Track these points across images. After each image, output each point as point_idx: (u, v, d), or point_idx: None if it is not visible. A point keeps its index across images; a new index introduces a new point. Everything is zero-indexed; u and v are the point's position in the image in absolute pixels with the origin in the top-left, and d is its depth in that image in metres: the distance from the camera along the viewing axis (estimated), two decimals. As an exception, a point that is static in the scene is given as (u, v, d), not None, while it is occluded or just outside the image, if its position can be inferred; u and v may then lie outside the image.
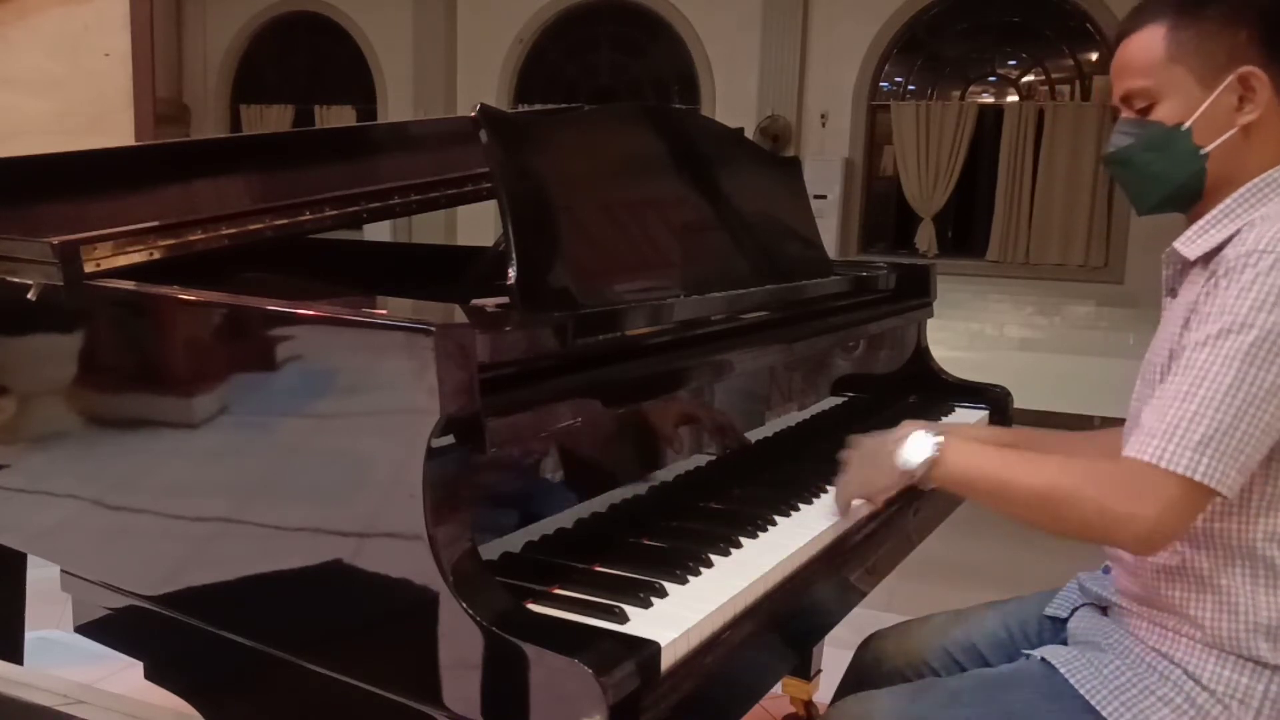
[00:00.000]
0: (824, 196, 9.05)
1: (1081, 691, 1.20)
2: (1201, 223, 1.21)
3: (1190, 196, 1.23)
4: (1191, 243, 1.21)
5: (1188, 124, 1.19)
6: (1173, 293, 1.26)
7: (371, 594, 1.01)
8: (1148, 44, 1.21)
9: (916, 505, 1.56)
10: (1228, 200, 1.19)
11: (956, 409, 2.06)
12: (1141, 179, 1.26)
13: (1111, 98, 1.28)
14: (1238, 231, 1.16)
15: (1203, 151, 1.19)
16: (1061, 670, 1.23)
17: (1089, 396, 4.96)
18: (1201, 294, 1.14)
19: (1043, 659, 1.26)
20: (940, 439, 1.26)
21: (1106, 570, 1.36)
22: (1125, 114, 1.25)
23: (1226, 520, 1.15)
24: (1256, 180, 1.18)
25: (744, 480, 1.49)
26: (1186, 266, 1.23)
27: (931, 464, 1.24)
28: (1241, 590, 1.14)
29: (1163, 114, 1.21)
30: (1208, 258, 1.18)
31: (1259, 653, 1.13)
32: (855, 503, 1.39)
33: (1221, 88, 1.17)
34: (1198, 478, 1.05)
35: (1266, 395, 1.05)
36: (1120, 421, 1.33)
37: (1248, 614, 1.14)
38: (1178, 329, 1.17)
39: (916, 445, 1.26)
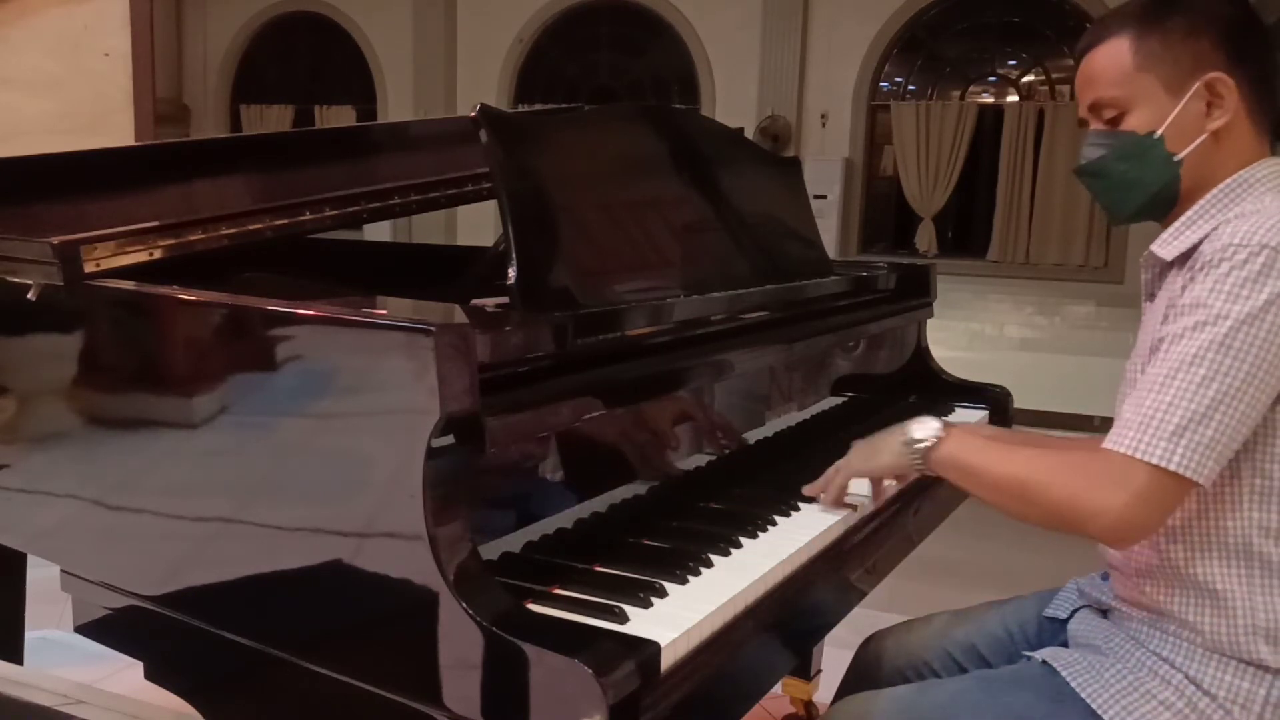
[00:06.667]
0: (824, 196, 9.05)
1: (1083, 695, 1.20)
2: (1177, 224, 1.22)
3: (1166, 204, 1.24)
4: (1168, 244, 1.22)
5: (1159, 132, 1.20)
6: (1151, 297, 1.27)
7: (371, 594, 1.01)
8: (1115, 54, 1.22)
9: (917, 505, 1.56)
10: (1201, 202, 1.21)
11: (956, 409, 2.06)
12: (1116, 189, 1.26)
13: (1079, 110, 1.29)
14: (1213, 230, 1.17)
15: (1176, 158, 1.20)
16: (1063, 673, 1.23)
17: (1089, 396, 4.95)
18: (1177, 290, 1.15)
19: (1044, 661, 1.26)
20: (944, 426, 1.29)
21: (1105, 577, 1.36)
22: (1094, 125, 1.26)
23: (1219, 518, 1.15)
24: (1228, 181, 1.20)
25: (744, 480, 1.49)
26: (1164, 269, 1.25)
27: (932, 445, 1.27)
28: (1238, 593, 1.14)
29: (1133, 123, 1.22)
30: (1184, 258, 1.19)
31: (1260, 656, 1.13)
32: (852, 490, 1.41)
33: (1189, 95, 1.18)
34: (1172, 467, 1.06)
35: (1242, 385, 1.06)
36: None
37: (1246, 617, 1.14)
38: (1156, 331, 1.18)
39: (923, 425, 1.29)
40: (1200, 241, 1.17)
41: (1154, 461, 1.06)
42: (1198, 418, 1.06)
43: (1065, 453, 1.24)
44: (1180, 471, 1.06)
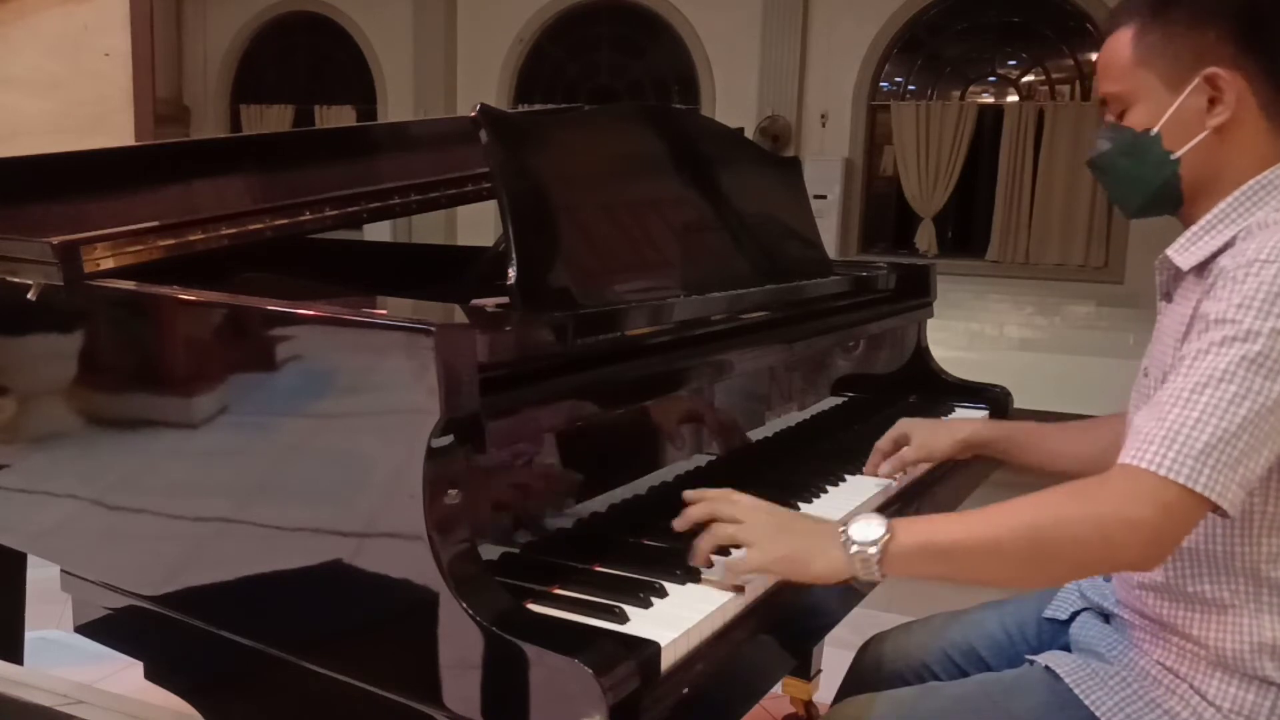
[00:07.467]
0: (824, 196, 9.06)
1: (1086, 701, 1.18)
2: (1194, 230, 1.18)
3: (1169, 201, 1.20)
4: (1184, 251, 1.18)
5: (1156, 129, 1.17)
6: (1168, 297, 1.24)
7: (371, 594, 1.01)
8: (1118, 47, 1.19)
9: (916, 505, 1.56)
10: (1219, 206, 1.16)
11: (956, 409, 2.06)
12: (1120, 185, 1.24)
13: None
14: (1232, 239, 1.13)
15: (1173, 156, 1.17)
16: (1066, 679, 1.21)
17: (1089, 396, 4.95)
18: (1195, 299, 1.12)
19: (1046, 666, 1.25)
20: (882, 517, 1.09)
21: (1107, 578, 1.34)
22: (1107, 117, 1.24)
23: (1229, 543, 1.12)
24: (1249, 185, 1.15)
25: (744, 480, 1.48)
26: (1181, 273, 1.21)
27: (887, 541, 1.07)
28: (1245, 611, 1.12)
29: (1134, 119, 1.19)
30: (1201, 266, 1.16)
31: (1265, 672, 1.11)
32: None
33: (1188, 90, 1.15)
34: (1199, 489, 0.99)
35: (1273, 407, 1.01)
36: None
37: (1252, 635, 1.11)
38: (1175, 341, 1.15)
39: (864, 525, 1.09)
40: (1219, 250, 1.14)
41: (1180, 480, 0.99)
42: (1227, 437, 1.00)
43: (1063, 486, 1.07)
44: (1205, 493, 0.99)
